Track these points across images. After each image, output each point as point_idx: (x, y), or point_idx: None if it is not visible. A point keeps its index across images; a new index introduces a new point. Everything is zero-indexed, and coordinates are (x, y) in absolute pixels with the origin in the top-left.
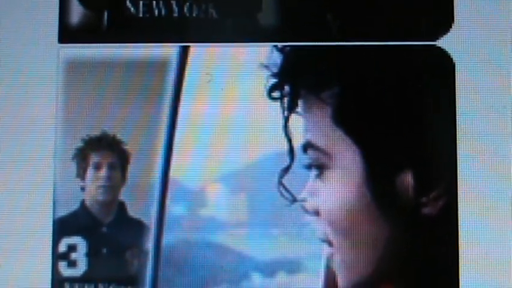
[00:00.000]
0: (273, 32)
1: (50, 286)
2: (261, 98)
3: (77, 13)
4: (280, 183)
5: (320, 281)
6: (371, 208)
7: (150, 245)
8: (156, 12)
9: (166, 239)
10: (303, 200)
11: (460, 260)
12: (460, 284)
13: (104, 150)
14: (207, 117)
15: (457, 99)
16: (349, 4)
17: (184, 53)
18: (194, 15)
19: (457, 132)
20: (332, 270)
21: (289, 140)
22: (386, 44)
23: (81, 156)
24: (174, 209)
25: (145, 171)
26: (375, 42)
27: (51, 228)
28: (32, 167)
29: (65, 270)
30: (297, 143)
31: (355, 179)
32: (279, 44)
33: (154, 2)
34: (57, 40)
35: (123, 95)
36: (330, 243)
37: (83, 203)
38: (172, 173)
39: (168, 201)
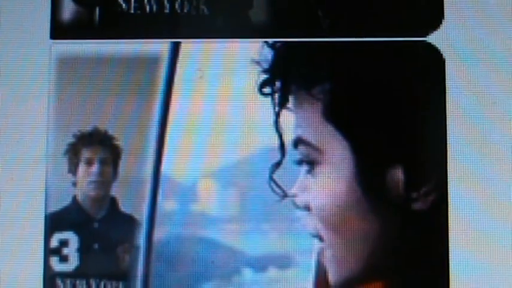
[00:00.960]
0: (264, 28)
1: (41, 281)
2: (252, 94)
3: (68, 9)
4: (271, 178)
5: (311, 276)
6: (362, 203)
7: (141, 240)
8: (148, 8)
9: (158, 234)
10: (294, 196)
11: (450, 254)
12: (450, 279)
13: (96, 145)
14: (199, 113)
15: (447, 95)
16: (339, 0)
17: (175, 49)
18: (185, 11)
19: (447, 128)
20: (323, 265)
21: (280, 136)
22: (376, 40)
23: (73, 152)
24: (165, 204)
25: (137, 166)
26: (366, 38)
27: (43, 223)
28: (24, 162)
29: (56, 265)
30: (288, 138)
31: (346, 175)
32: (270, 40)
33: None
34: (49, 36)
35: (114, 91)
36: (321, 238)
37: (74, 198)
38: (164, 169)
39: (159, 197)
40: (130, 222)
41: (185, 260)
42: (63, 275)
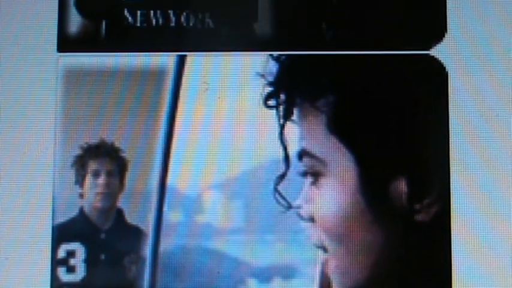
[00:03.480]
0: (269, 41)
1: None
2: (257, 106)
3: (75, 22)
4: (276, 190)
5: (315, 286)
6: (365, 214)
7: (147, 251)
8: (154, 21)
9: (164, 245)
10: (298, 207)
11: (453, 266)
12: None
13: (103, 157)
14: (204, 125)
15: (450, 108)
16: (344, 14)
17: (181, 62)
18: (191, 24)
19: (450, 140)
20: (327, 276)
21: (285, 148)
22: (380, 53)
23: (80, 164)
24: (171, 215)
25: (143, 178)
26: (369, 51)
27: (51, 234)
28: (31, 174)
29: (63, 276)
30: (292, 150)
31: (350, 186)
32: (275, 53)
33: (151, 11)
34: (56, 49)
35: (121, 104)
36: (325, 249)
37: (81, 209)
38: (170, 180)
39: (165, 208)
40: (136, 233)
41: (191, 271)
42: (70, 286)
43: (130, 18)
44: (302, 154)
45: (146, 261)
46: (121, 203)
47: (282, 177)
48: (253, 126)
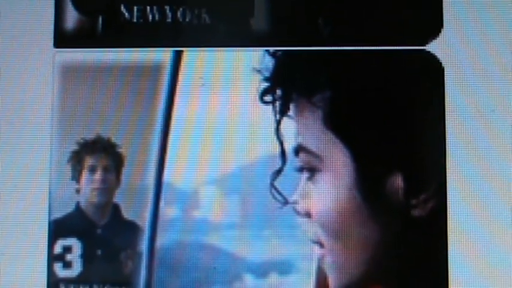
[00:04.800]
0: (265, 36)
1: (45, 287)
2: (253, 102)
3: (72, 18)
4: (272, 185)
5: (311, 281)
6: (362, 210)
7: (144, 246)
8: (150, 17)
9: (160, 240)
10: (295, 202)
11: (449, 261)
12: (449, 285)
13: (99, 153)
14: (200, 121)
15: (446, 103)
16: (340, 9)
17: (177, 58)
18: (187, 20)
19: (447, 136)
20: (323, 271)
21: (281, 143)
22: (376, 48)
23: (77, 159)
24: (167, 211)
25: (140, 173)
26: (366, 47)
27: (47, 229)
28: (27, 169)
29: (60, 271)
30: (289, 146)
31: (346, 182)
32: (271, 49)
33: (148, 7)
34: (52, 45)
35: (117, 99)
36: (321, 245)
37: (78, 205)
38: (166, 176)
39: (161, 204)
40: (133, 228)
41: (187, 266)
42: (67, 281)
43: (126, 14)
44: (298, 149)
45: (142, 257)
46: (117, 198)
47: (278, 172)
48: (249, 122)
